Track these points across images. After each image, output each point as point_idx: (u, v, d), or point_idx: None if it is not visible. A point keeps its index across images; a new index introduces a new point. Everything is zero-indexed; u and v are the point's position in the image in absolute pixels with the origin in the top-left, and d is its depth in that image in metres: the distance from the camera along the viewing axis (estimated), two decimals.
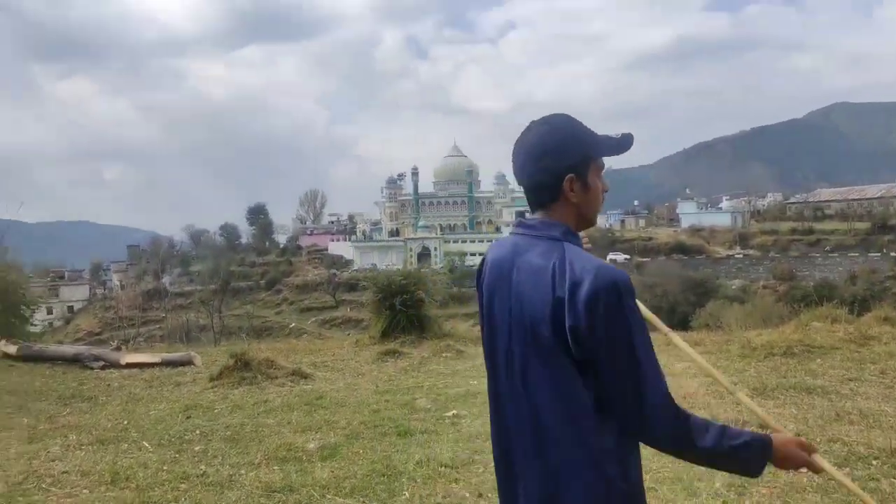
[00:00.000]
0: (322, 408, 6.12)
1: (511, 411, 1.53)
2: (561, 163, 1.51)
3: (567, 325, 1.39)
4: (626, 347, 1.39)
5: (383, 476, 4.20)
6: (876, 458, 4.08)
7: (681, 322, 39.41)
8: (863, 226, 62.89)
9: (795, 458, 1.53)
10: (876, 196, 74.31)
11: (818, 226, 67.00)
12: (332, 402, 6.29)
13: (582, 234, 1.64)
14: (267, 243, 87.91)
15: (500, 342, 1.55)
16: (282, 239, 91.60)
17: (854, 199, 75.52)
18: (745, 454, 1.44)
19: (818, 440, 4.46)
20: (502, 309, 1.54)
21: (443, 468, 4.31)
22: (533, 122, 1.60)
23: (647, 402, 1.40)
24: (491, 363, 1.60)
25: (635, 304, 1.43)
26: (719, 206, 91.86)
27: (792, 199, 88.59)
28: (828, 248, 60.77)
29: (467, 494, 3.86)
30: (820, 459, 1.57)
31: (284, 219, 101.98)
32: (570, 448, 1.43)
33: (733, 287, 54.03)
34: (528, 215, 1.62)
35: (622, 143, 1.58)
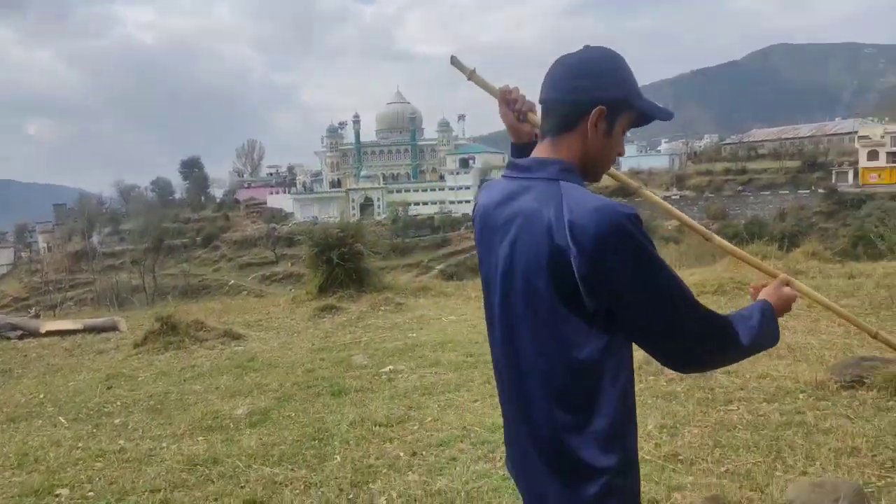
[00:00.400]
0: (253, 370, 5.90)
1: (506, 372, 1.43)
2: (601, 91, 1.35)
3: (577, 275, 1.23)
4: (654, 289, 1.26)
5: (314, 440, 4.04)
6: (802, 392, 4.15)
7: None
8: (794, 164, 65.09)
9: (787, 299, 1.53)
10: (807, 135, 76.84)
11: (751, 165, 69.01)
12: (265, 364, 6.07)
13: None
14: (202, 198, 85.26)
15: (494, 298, 1.42)
16: (218, 193, 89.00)
17: (787, 139, 77.92)
18: (767, 328, 1.41)
19: (748, 376, 4.53)
20: (494, 262, 1.40)
21: (377, 427, 4.19)
22: (586, 46, 1.44)
23: (689, 335, 1.31)
24: (489, 322, 1.48)
25: (648, 239, 1.26)
26: (658, 148, 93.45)
27: (727, 140, 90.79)
28: (749, 188, 62.76)
29: (401, 454, 3.75)
30: (799, 285, 1.60)
31: (220, 172, 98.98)
32: (559, 415, 1.31)
33: (669, 227, 55.44)
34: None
35: (664, 112, 1.44)
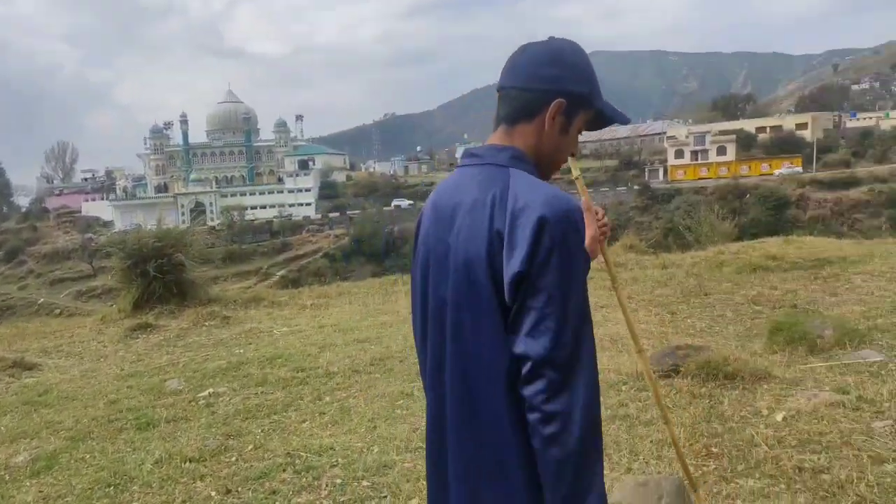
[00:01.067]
0: (45, 406, 5.09)
1: (444, 375, 1.29)
2: (563, 83, 1.29)
3: (504, 264, 1.16)
4: (561, 292, 1.14)
5: (109, 486, 3.48)
6: (625, 384, 4.26)
7: None
8: (613, 163, 70.63)
9: (594, 237, 1.48)
10: (624, 136, 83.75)
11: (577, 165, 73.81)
12: (60, 397, 5.27)
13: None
14: (5, 208, 75.82)
15: (434, 293, 1.30)
16: (24, 202, 79.58)
17: (606, 140, 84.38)
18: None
19: None
20: (442, 255, 1.29)
21: (187, 464, 3.71)
22: (551, 37, 1.36)
23: (575, 365, 1.14)
24: (422, 320, 1.37)
25: (583, 242, 1.19)
26: None
27: None
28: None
29: (213, 493, 3.31)
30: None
31: (26, 178, 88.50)
32: (502, 417, 1.20)
33: None
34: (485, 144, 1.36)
35: (622, 116, 1.39)
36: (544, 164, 1.34)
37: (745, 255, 8.96)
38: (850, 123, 72.79)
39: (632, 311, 6.66)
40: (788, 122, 69.62)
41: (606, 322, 6.19)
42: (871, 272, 7.30)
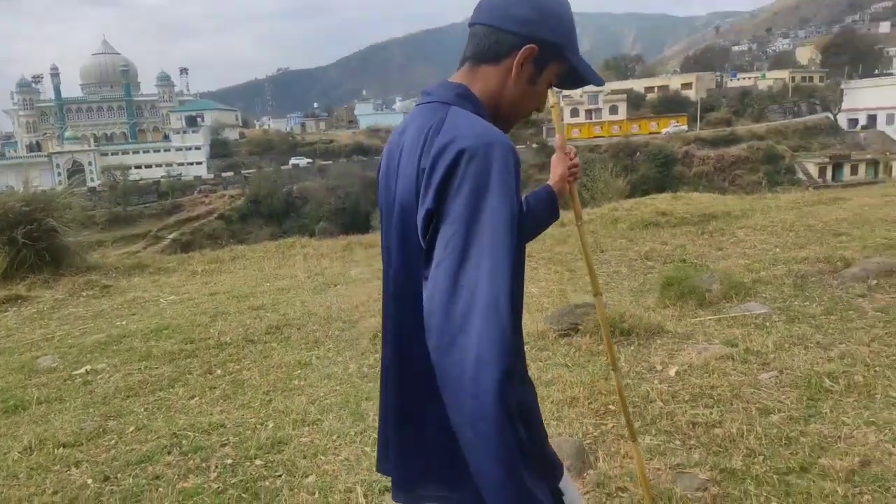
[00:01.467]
0: None
1: (390, 320, 1.23)
2: (538, 27, 1.17)
3: (419, 203, 1.05)
4: (466, 226, 0.98)
5: None
6: (526, 343, 4.26)
7: (363, 221, 41.02)
8: None
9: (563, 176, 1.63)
10: None
11: None
12: None
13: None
14: None
15: (384, 240, 1.23)
16: None
17: None
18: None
19: None
20: (390, 201, 1.18)
21: (61, 449, 3.37)
22: None
23: (458, 313, 0.94)
24: (384, 267, 1.26)
25: (512, 186, 1.01)
26: (394, 107, 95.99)
27: None
28: None
29: (89, 481, 3.03)
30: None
31: None
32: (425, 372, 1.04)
33: None
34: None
35: (597, 77, 1.26)
36: (504, 114, 1.23)
37: (637, 212, 9.27)
38: (731, 83, 77.15)
39: (532, 269, 6.76)
40: (674, 83, 72.91)
41: None
42: (753, 226, 7.74)
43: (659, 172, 50.26)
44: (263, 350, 4.77)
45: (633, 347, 4.04)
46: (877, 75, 71.25)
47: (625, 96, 65.68)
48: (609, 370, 3.71)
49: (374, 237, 9.91)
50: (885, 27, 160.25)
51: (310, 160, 63.72)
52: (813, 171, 51.45)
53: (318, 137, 75.50)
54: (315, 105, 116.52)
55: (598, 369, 3.72)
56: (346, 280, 7.03)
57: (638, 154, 53.08)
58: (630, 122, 62.69)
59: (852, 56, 77.11)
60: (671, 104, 64.83)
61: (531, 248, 7.79)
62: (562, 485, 1.23)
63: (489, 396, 0.90)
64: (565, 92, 69.87)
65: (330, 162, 63.13)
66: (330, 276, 7.40)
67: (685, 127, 58.39)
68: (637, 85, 73.63)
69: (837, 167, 52.23)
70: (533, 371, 3.81)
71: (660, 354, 3.86)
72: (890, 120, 59.54)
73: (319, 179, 57.80)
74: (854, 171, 52.15)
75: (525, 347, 4.29)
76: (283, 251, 9.42)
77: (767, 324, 4.28)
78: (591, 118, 65.87)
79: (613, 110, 64.91)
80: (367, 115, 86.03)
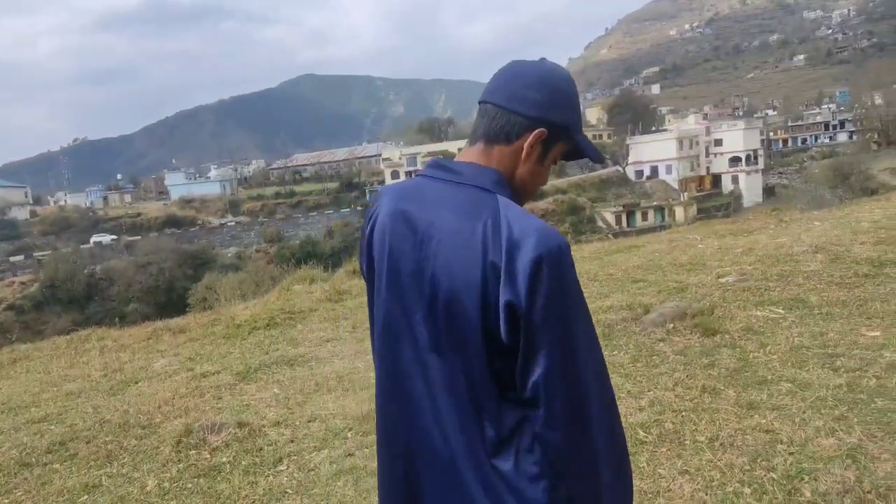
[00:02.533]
0: None
1: (415, 409, 1.18)
2: (549, 111, 1.22)
3: (501, 300, 1.08)
4: (565, 330, 1.09)
5: None
6: (350, 430, 4.00)
7: (179, 300, 38.23)
8: (334, 185, 71.67)
9: None
10: (342, 159, 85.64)
11: (298, 188, 73.61)
12: None
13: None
14: None
15: (400, 320, 1.18)
16: None
17: (325, 162, 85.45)
18: None
19: (298, 423, 4.22)
20: (412, 275, 1.16)
21: None
22: (542, 58, 1.29)
23: (587, 406, 1.10)
24: (385, 347, 1.22)
25: (576, 277, 1.15)
26: (208, 175, 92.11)
27: (274, 165, 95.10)
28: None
29: None
30: None
31: None
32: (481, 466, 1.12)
33: (230, 255, 55.25)
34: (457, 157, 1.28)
35: (598, 153, 1.31)
36: (517, 192, 1.26)
37: None
38: None
39: (358, 342, 6.53)
40: None
41: (333, 358, 5.92)
42: None
43: None
44: (42, 475, 4.03)
45: None
46: (654, 132, 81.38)
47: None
48: None
49: (184, 321, 9.11)
50: (656, 89, 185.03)
51: (114, 237, 58.75)
52: (611, 219, 56.96)
53: (124, 211, 70.21)
54: (119, 176, 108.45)
55: None
56: (148, 375, 6.30)
57: None
58: None
59: (633, 115, 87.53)
60: None
61: (357, 318, 7.56)
62: None
63: (621, 449, 1.18)
64: (386, 155, 71.62)
65: (139, 237, 58.60)
66: (130, 371, 6.61)
67: None
68: (451, 146, 77.29)
69: (630, 214, 58.39)
70: (358, 461, 3.56)
71: None
72: (668, 170, 67.99)
73: (127, 257, 53.29)
74: (644, 216, 58.60)
75: (350, 434, 4.01)
76: (75, 346, 8.30)
77: None
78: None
79: None
80: (178, 184, 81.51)
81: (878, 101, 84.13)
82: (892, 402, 3.43)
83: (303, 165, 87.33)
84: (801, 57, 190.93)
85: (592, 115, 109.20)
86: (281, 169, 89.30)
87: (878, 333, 4.55)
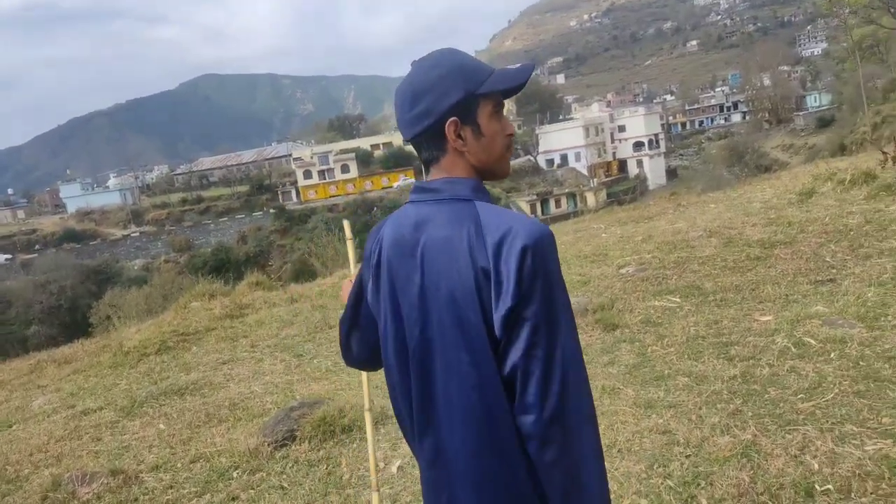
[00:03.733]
0: None
1: (437, 411, 1.27)
2: (438, 105, 1.25)
3: (493, 300, 1.18)
4: (547, 316, 1.18)
5: None
6: (237, 468, 3.69)
7: (84, 320, 36.03)
8: (244, 188, 69.36)
9: None
10: (250, 160, 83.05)
11: (205, 193, 70.74)
12: None
13: None
14: None
15: (409, 335, 1.28)
16: None
17: (233, 165, 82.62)
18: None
19: (179, 465, 3.86)
20: (413, 294, 1.26)
21: None
22: (413, 61, 1.36)
23: (555, 382, 1.17)
24: (398, 364, 1.32)
25: (559, 264, 1.23)
26: (106, 185, 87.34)
27: (178, 171, 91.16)
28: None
29: None
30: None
31: None
32: (512, 437, 1.21)
33: (136, 268, 52.60)
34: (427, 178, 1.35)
35: (518, 73, 1.32)
36: (491, 168, 1.32)
37: None
38: None
39: (257, 362, 6.16)
40: (398, 139, 77.33)
41: (228, 382, 5.54)
42: None
43: None
44: None
45: (355, 445, 3.70)
46: (562, 120, 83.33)
47: (353, 155, 67.72)
48: (328, 481, 3.33)
49: (71, 350, 8.43)
50: (561, 79, 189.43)
51: (9, 256, 54.79)
52: (526, 208, 57.90)
53: (17, 228, 65.52)
54: (10, 191, 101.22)
55: (318, 483, 3.31)
56: (24, 416, 5.73)
57: (375, 209, 54.79)
58: (363, 179, 64.66)
59: (540, 105, 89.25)
60: (399, 159, 68.39)
61: (257, 335, 7.17)
62: None
63: (593, 439, 1.25)
64: (297, 154, 69.98)
65: (35, 255, 54.86)
66: (5, 413, 6.01)
67: (413, 179, 61.94)
68: (364, 143, 76.58)
69: (545, 202, 59.58)
70: (243, 502, 3.27)
71: (381, 449, 3.57)
72: (577, 157, 69.78)
73: (24, 276, 49.76)
74: (558, 203, 59.93)
75: (235, 472, 3.70)
76: None
77: None
78: (324, 178, 66.63)
79: (345, 169, 66.44)
80: (75, 196, 76.70)
81: (766, 81, 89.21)
82: (784, 391, 3.46)
83: (209, 169, 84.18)
84: (694, 43, 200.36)
85: None
86: (186, 174, 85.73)
87: (769, 318, 4.63)
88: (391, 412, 4.09)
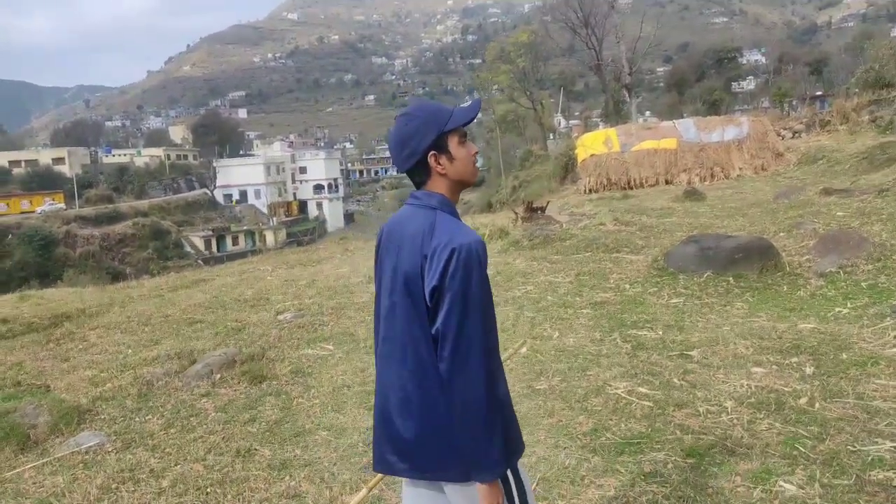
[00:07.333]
0: None
1: (391, 355, 1.80)
2: (420, 146, 1.77)
3: (426, 279, 1.68)
4: (462, 299, 1.64)
5: None
6: None
7: None
8: None
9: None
10: None
11: None
12: None
13: None
14: None
15: (384, 297, 1.82)
16: None
17: None
18: (498, 451, 1.68)
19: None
20: (390, 269, 1.80)
21: None
22: (397, 116, 1.87)
23: (461, 351, 1.65)
24: (378, 317, 1.87)
25: (484, 269, 1.68)
26: None
27: None
28: None
29: None
30: None
31: None
32: (428, 363, 1.72)
33: None
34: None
35: (470, 109, 1.83)
36: (463, 178, 1.83)
37: None
38: (107, 159, 75.43)
39: None
40: (45, 157, 67.05)
41: None
42: (108, 324, 6.97)
43: (39, 256, 44.92)
44: None
45: None
46: (242, 155, 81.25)
47: None
48: None
49: None
50: (243, 113, 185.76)
51: None
52: (199, 244, 54.57)
53: None
54: None
55: None
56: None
57: (11, 236, 46.12)
58: None
59: (220, 136, 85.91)
60: (43, 180, 58.96)
61: None
62: (519, 465, 1.79)
63: (482, 381, 1.66)
64: None
65: None
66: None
67: (63, 205, 53.65)
68: (1, 158, 64.59)
69: (221, 239, 56.83)
70: None
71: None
72: (258, 195, 68.49)
73: None
74: (235, 241, 57.70)
75: None
76: None
77: (98, 458, 3.62)
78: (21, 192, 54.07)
79: None
80: None
81: None
82: None
83: None
84: (372, 97, 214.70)
85: (177, 133, 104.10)
86: None
87: None
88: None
